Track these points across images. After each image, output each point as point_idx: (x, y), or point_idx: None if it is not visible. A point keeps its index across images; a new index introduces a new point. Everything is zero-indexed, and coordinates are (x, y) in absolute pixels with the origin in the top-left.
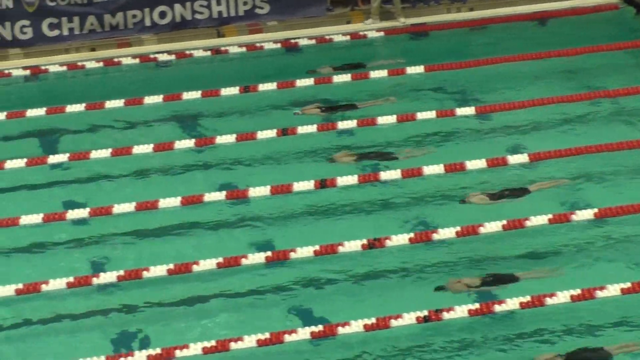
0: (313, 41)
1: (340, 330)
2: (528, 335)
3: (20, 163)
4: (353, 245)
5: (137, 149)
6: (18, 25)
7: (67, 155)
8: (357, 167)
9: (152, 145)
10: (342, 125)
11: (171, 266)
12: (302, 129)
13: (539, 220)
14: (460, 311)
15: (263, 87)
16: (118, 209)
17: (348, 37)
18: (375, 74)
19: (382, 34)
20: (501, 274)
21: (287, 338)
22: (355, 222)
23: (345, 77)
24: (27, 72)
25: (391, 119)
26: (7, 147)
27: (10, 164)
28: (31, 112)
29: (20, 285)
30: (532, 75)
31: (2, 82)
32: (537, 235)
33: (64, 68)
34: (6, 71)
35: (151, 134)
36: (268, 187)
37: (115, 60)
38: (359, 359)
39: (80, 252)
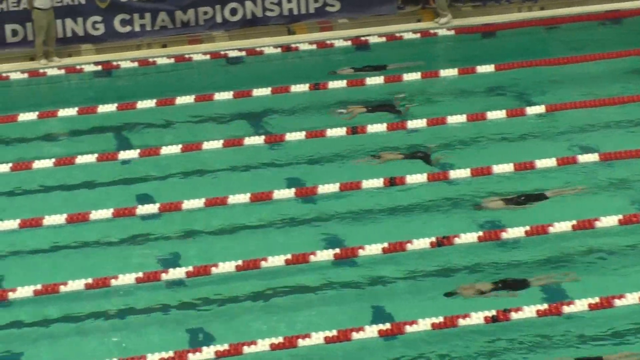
0: (383, 39)
1: (408, 328)
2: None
3: (91, 159)
4: (422, 243)
5: (207, 145)
6: (90, 21)
7: (138, 151)
8: (426, 166)
9: (221, 142)
10: (412, 124)
11: (240, 262)
12: (371, 128)
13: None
14: (529, 311)
15: (333, 84)
16: (187, 205)
17: (419, 35)
18: (445, 73)
19: (452, 32)
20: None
21: (355, 335)
22: (424, 219)
23: (415, 76)
24: (99, 67)
25: (461, 118)
26: (78, 143)
27: (81, 159)
28: (102, 108)
29: (90, 280)
30: (604, 74)
31: (74, 78)
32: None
33: (135, 64)
34: (78, 67)
35: (221, 130)
36: (337, 185)
37: (186, 56)
38: (423, 358)
39: (149, 248)
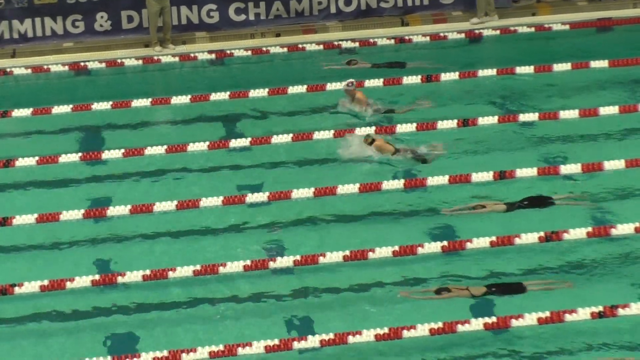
0: (497, 32)
1: (514, 322)
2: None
3: (202, 146)
4: (530, 238)
5: (318, 135)
6: (205, 9)
7: (249, 139)
8: (539, 159)
9: (332, 132)
10: (524, 117)
11: (347, 253)
12: (482, 120)
13: None
14: (636, 308)
15: (445, 76)
16: (297, 194)
17: (533, 29)
18: (559, 67)
19: (567, 27)
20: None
21: (460, 328)
22: (534, 214)
23: (528, 69)
24: (213, 56)
25: (573, 113)
26: (190, 131)
27: (192, 147)
28: (215, 96)
29: (197, 267)
30: None
31: (188, 66)
32: None
33: (249, 53)
34: (192, 54)
35: (333, 120)
36: (446, 177)
37: (300, 46)
38: (526, 353)
39: (257, 235)
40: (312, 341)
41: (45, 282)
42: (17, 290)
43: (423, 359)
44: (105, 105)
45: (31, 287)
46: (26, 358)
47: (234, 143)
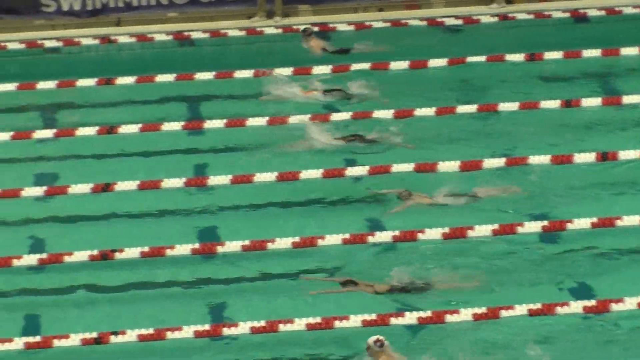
0: (603, 12)
1: (614, 307)
2: None
3: (303, 119)
4: (633, 220)
5: (419, 112)
6: None
7: (350, 113)
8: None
9: (434, 109)
10: (628, 99)
11: (446, 230)
12: (585, 102)
13: None
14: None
15: (549, 55)
16: (396, 168)
17: (638, 10)
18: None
19: None
20: None
21: (559, 310)
22: (637, 196)
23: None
24: (316, 29)
25: None
26: (288, 103)
27: (293, 119)
28: (316, 69)
29: (297, 239)
30: None
31: (287, 38)
32: None
33: (352, 27)
34: (294, 27)
35: (433, 98)
36: (548, 157)
37: (403, 21)
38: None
39: (357, 210)
40: (410, 317)
41: (146, 249)
42: (117, 255)
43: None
44: (208, 76)
45: (131, 253)
46: (122, 321)
47: (335, 116)
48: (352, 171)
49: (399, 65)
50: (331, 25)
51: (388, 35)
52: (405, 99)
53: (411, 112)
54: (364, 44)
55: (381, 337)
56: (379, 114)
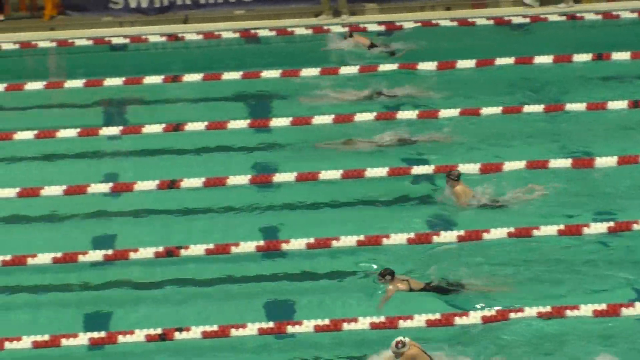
0: None
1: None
2: None
3: (369, 116)
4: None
5: (485, 111)
6: None
7: (416, 112)
8: None
9: (500, 108)
10: None
11: (512, 230)
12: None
13: None
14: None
15: (616, 55)
16: (464, 168)
17: None
18: None
19: None
20: None
21: (624, 312)
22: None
23: None
24: (382, 27)
25: None
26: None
27: (359, 117)
28: (383, 67)
29: (362, 237)
30: None
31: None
32: None
33: (418, 25)
34: (361, 25)
35: (499, 97)
36: (614, 158)
37: (470, 20)
38: None
39: (425, 210)
40: (474, 316)
41: (211, 246)
42: (182, 252)
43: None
44: (274, 74)
45: (197, 250)
46: (189, 317)
47: (401, 115)
48: (417, 170)
49: (465, 64)
50: (398, 24)
51: (455, 34)
52: (470, 98)
53: (477, 111)
54: (427, 41)
55: (400, 338)
56: (445, 112)
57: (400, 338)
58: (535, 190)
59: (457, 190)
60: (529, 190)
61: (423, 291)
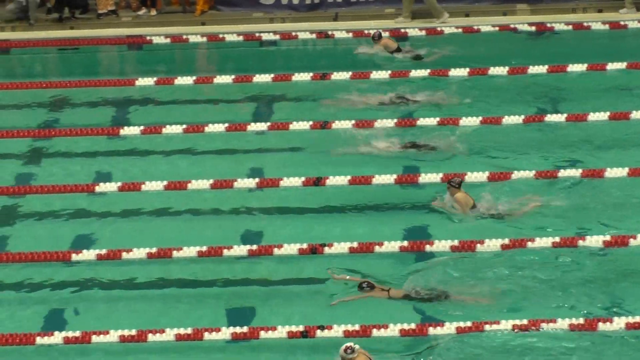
0: None
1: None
2: None
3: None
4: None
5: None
6: None
7: (564, 115)
8: None
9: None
10: None
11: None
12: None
13: None
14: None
15: None
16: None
17: None
18: None
19: None
20: None
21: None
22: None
23: None
24: (533, 28)
25: None
26: (506, 103)
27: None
28: (533, 69)
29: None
30: None
31: (506, 37)
32: None
33: (570, 27)
34: (511, 25)
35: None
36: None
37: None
38: None
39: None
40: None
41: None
42: (326, 250)
43: None
44: (422, 73)
45: (340, 248)
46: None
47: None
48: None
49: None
50: (549, 25)
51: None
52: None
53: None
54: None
55: (350, 344)
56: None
57: (350, 344)
58: (532, 201)
59: (457, 197)
60: (527, 201)
61: (405, 299)
